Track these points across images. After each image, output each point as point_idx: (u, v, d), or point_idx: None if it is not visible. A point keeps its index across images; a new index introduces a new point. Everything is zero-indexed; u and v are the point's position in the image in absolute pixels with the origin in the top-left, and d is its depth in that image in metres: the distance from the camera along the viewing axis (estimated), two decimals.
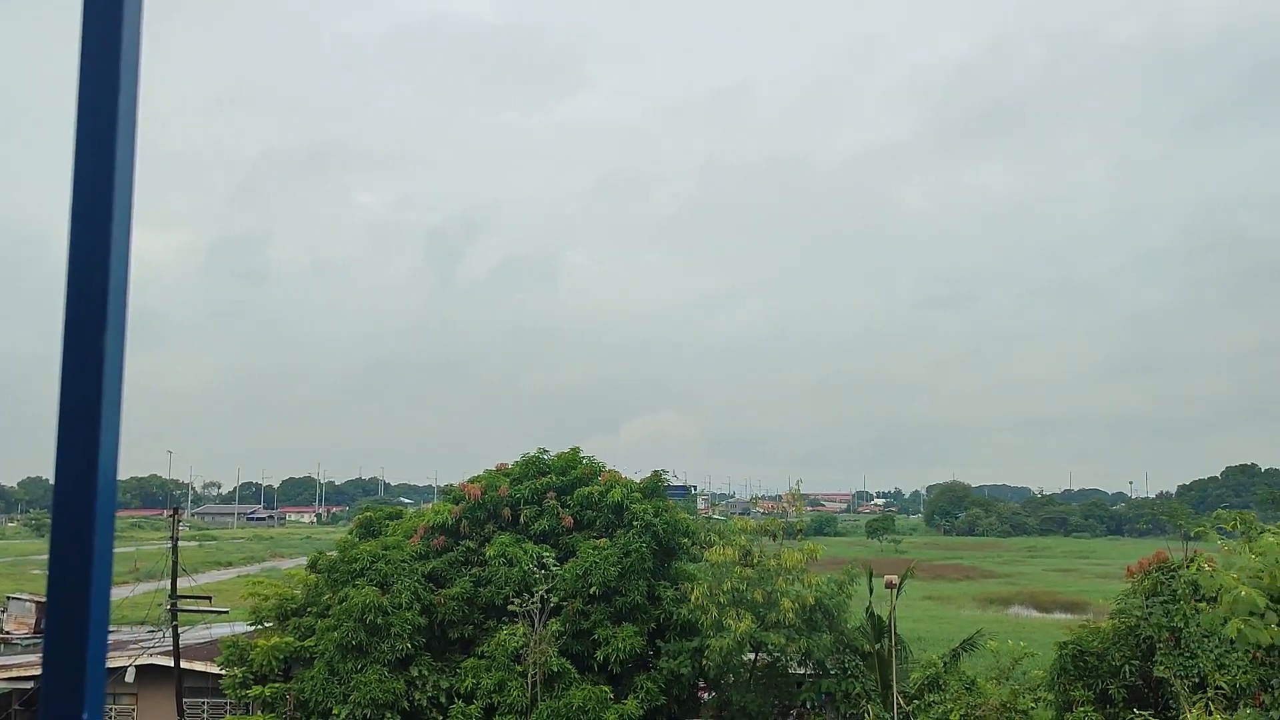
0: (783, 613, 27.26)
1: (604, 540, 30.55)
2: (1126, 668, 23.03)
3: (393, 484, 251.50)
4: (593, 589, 28.89)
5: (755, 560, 28.80)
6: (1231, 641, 15.20)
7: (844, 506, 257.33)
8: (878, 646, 28.11)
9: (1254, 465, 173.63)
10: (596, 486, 32.33)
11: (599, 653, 28.54)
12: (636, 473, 34.42)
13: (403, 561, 30.19)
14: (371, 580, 29.53)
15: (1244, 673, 20.01)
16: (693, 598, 28.22)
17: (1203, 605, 17.13)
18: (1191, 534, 23.91)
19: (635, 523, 30.47)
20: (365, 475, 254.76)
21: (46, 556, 1.28)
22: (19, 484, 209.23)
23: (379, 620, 28.23)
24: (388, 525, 34.34)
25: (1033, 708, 24.58)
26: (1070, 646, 24.11)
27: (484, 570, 30.18)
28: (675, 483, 47.80)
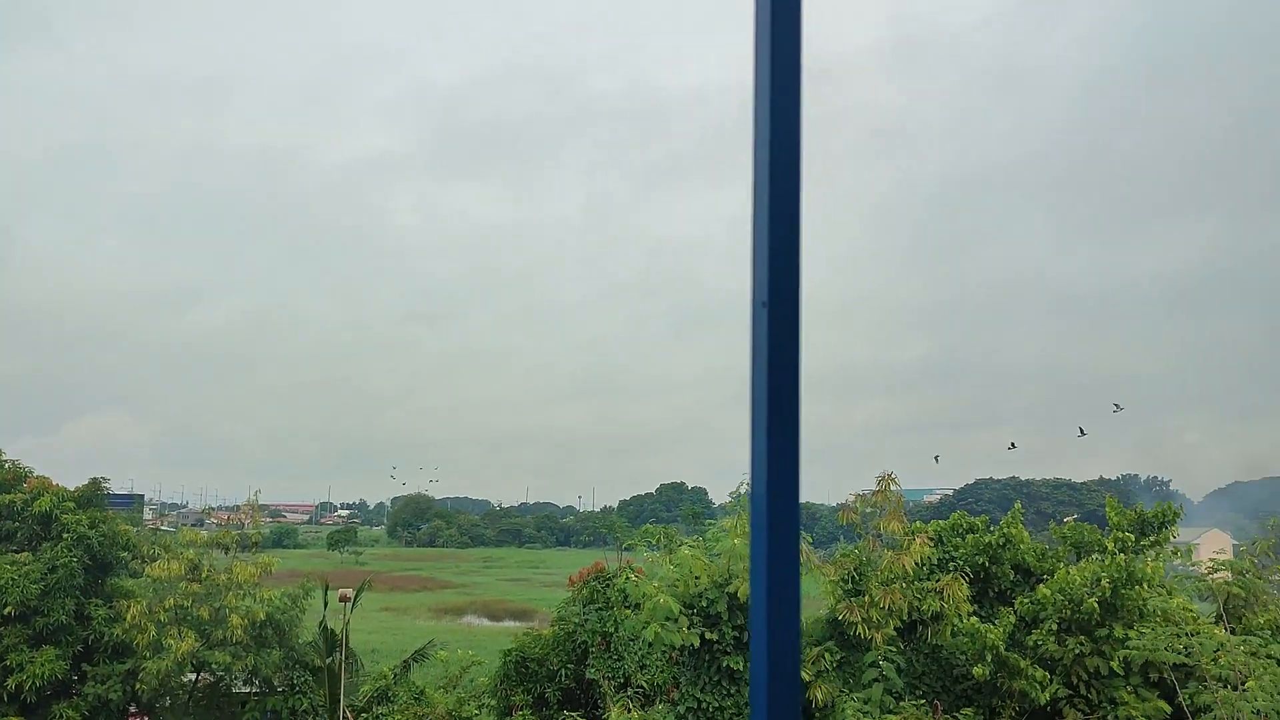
0: (231, 630, 26.14)
1: (25, 554, 27.33)
2: (563, 671, 24.94)
3: None
4: (7, 609, 25.73)
5: (204, 575, 27.34)
6: (650, 644, 17.09)
7: (306, 518, 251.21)
8: (329, 661, 27.87)
9: (682, 483, 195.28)
10: (19, 494, 28.86)
11: (10, 680, 25.44)
12: (75, 479, 31.17)
13: None
14: None
15: (660, 672, 22.56)
16: (129, 616, 26.14)
17: (628, 612, 19.09)
18: (625, 546, 26.54)
19: (66, 535, 27.59)
20: None
21: None
22: None
23: None
24: None
25: (476, 714, 25.77)
26: (514, 653, 25.62)
27: None
28: (120, 491, 43.88)
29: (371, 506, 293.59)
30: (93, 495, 30.40)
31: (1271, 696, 13.64)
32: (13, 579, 26.07)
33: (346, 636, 27.54)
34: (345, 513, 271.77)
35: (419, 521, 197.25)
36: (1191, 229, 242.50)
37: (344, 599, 27.17)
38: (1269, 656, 14.51)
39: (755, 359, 1.70)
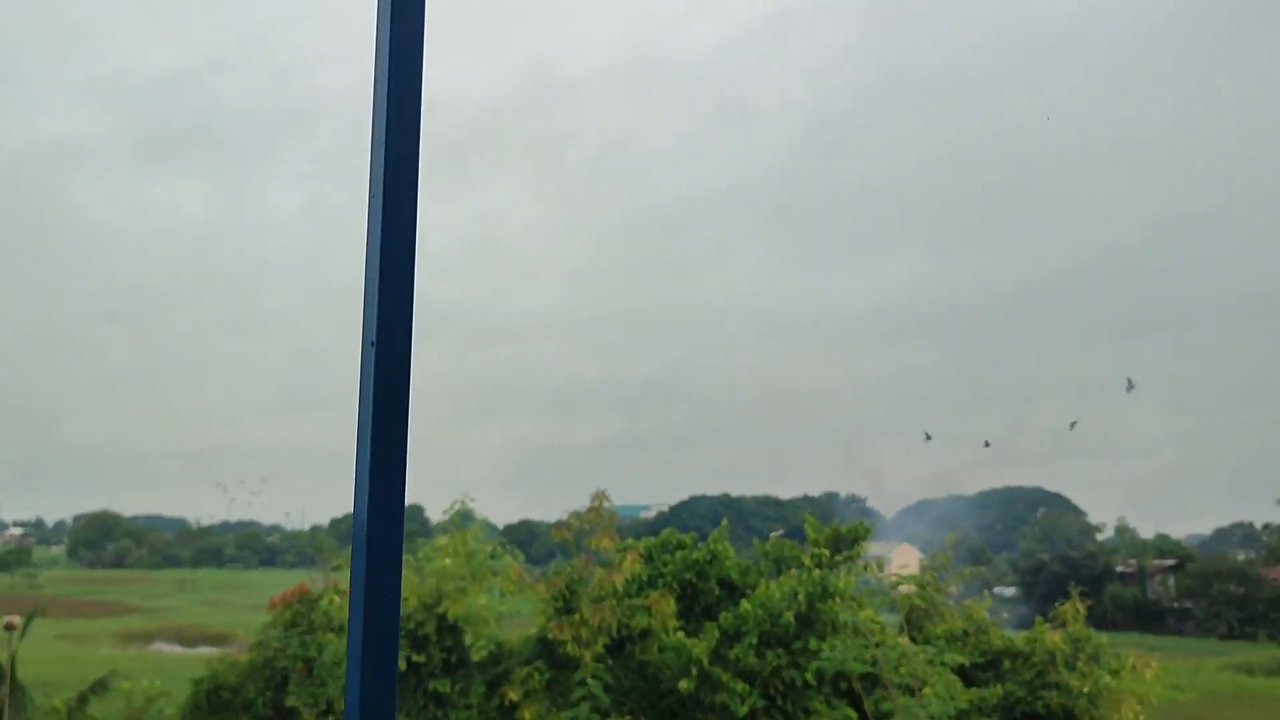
0: None
1: None
2: (260, 700, 23.68)
3: None
4: None
5: None
6: None
7: None
8: None
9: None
10: None
11: None
12: None
13: None
14: None
15: None
16: None
17: (332, 635, 18.39)
18: (333, 566, 25.60)
19: None
20: None
21: None
22: None
23: None
24: None
25: None
26: (206, 682, 24.10)
27: None
28: None
29: (51, 524, 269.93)
30: None
31: (944, 702, 14.82)
32: None
33: (14, 668, 25.04)
34: (18, 531, 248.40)
35: (105, 541, 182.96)
36: (896, 262, 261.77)
37: (10, 627, 24.69)
38: (943, 664, 15.77)
39: (362, 398, 1.65)
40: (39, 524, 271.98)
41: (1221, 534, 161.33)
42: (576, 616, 16.53)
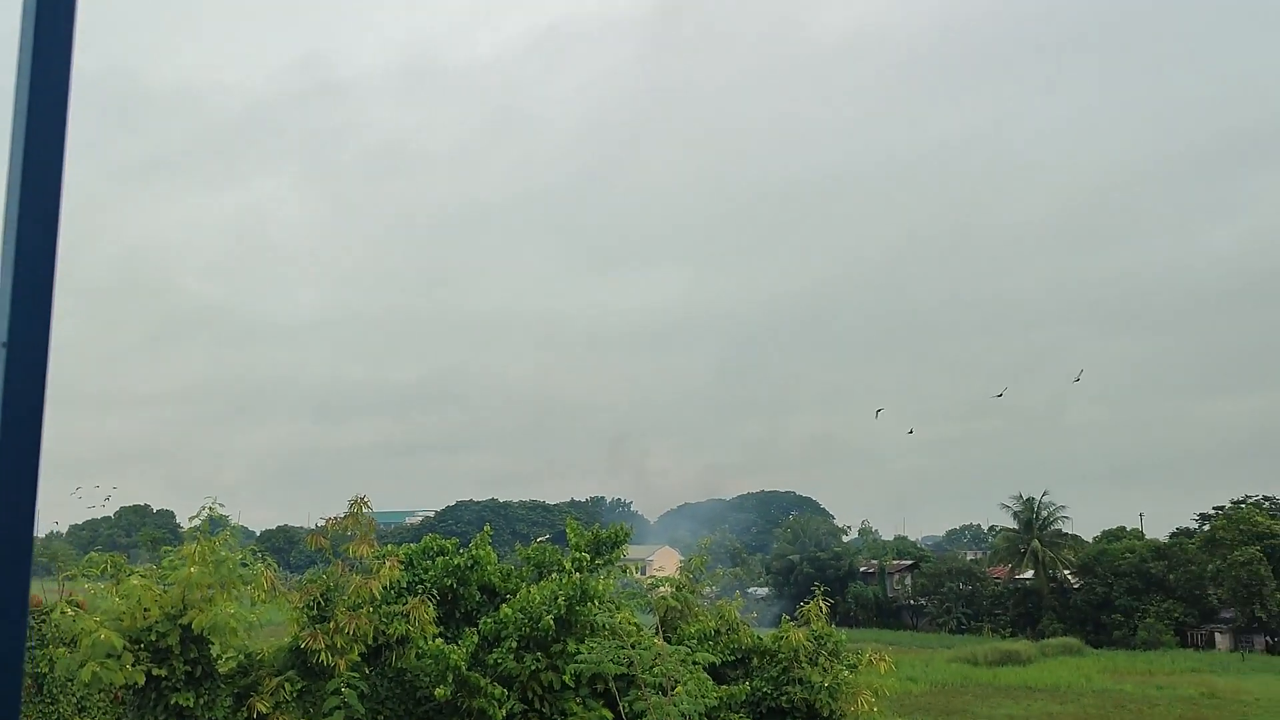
0: None
1: None
2: None
3: None
4: None
5: None
6: (88, 684, 15.48)
7: None
8: None
9: (147, 506, 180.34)
10: None
11: None
12: None
13: None
14: None
15: (103, 713, 20.52)
16: None
17: (63, 650, 17.16)
18: (67, 576, 23.89)
19: None
20: None
21: None
22: None
23: None
24: None
25: None
26: None
27: None
28: None
29: None
30: None
31: (695, 699, 15.28)
32: None
33: None
34: None
35: None
36: (665, 275, 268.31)
37: None
38: (695, 663, 16.25)
39: None
40: None
41: (953, 535, 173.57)
42: (331, 624, 16.05)
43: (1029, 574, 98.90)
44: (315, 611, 16.54)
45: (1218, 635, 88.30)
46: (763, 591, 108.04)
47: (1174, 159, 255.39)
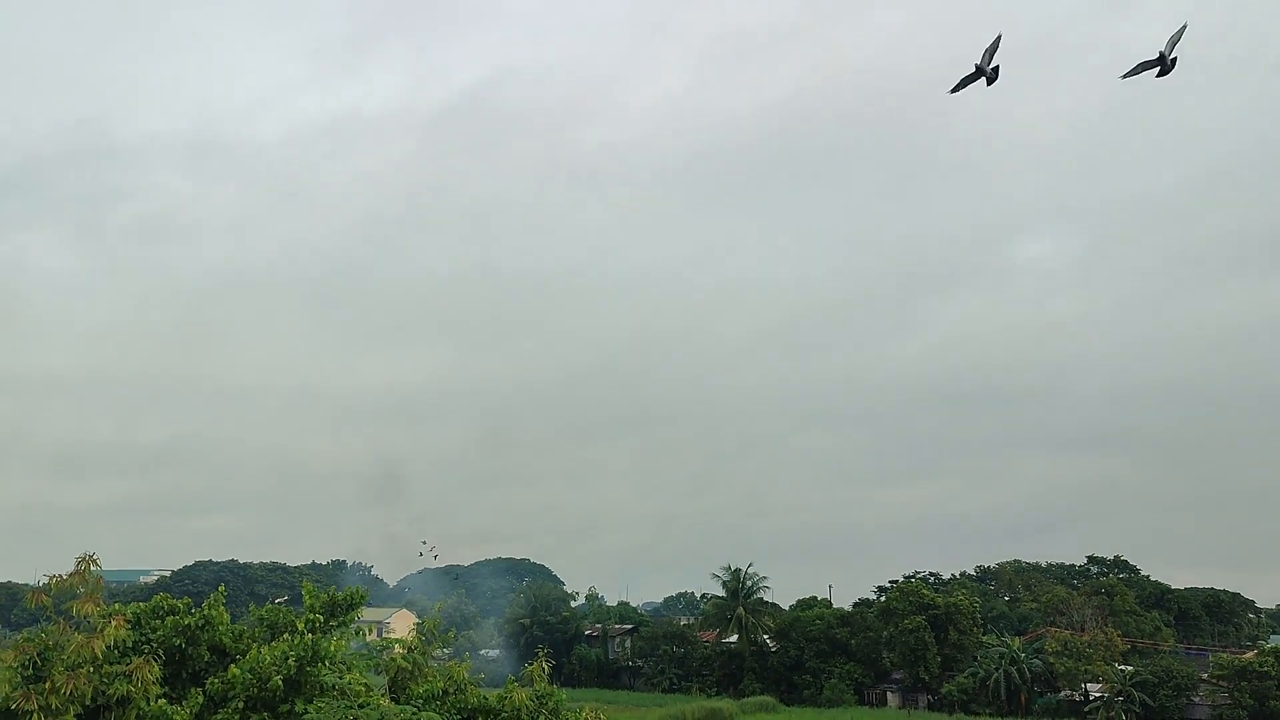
0: None
1: None
2: None
3: None
4: None
5: None
6: None
7: None
8: None
9: None
10: None
11: None
12: None
13: None
14: None
15: None
16: None
17: None
18: None
19: None
20: None
21: None
22: None
23: None
24: None
25: None
26: None
27: None
28: None
29: None
30: None
31: None
32: None
33: None
34: None
35: None
36: (423, 352, 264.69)
37: None
38: None
39: None
40: None
41: (670, 602, 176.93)
42: (47, 684, 14.59)
43: (734, 638, 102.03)
44: (31, 671, 15.03)
45: (889, 694, 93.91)
46: (494, 653, 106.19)
47: (873, 282, 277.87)
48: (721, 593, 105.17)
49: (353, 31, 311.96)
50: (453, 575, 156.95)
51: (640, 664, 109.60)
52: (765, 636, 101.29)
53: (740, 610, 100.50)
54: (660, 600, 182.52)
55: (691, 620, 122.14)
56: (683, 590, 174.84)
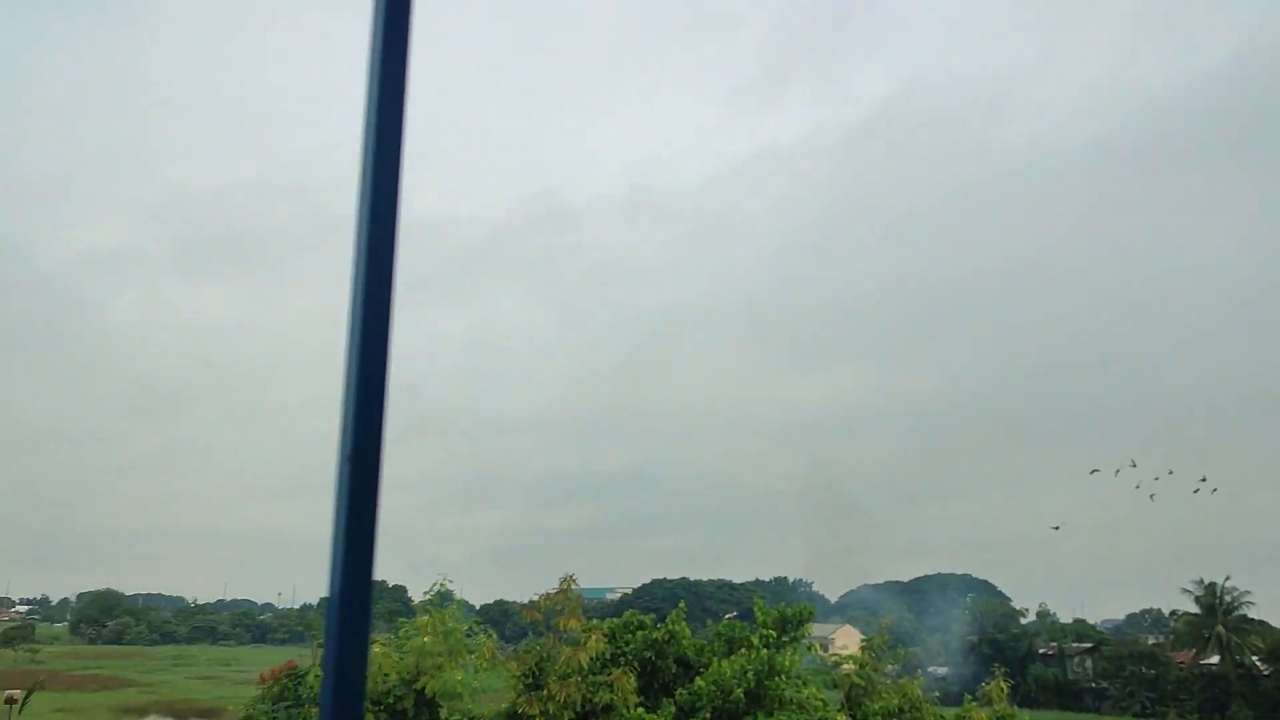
0: None
1: None
2: None
3: None
4: None
5: None
6: None
7: None
8: None
9: (384, 581, 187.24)
10: None
11: None
12: None
13: None
14: None
15: None
16: None
17: (317, 709, 17.92)
18: (318, 643, 25.07)
19: None
20: None
21: None
22: None
23: None
24: None
25: None
26: None
27: None
28: None
29: (55, 602, 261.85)
30: None
31: None
32: None
33: None
34: (24, 608, 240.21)
35: (106, 617, 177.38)
36: (846, 371, 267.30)
37: (10, 700, 23.89)
38: None
39: (337, 510, 1.72)
40: (44, 601, 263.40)
41: (1133, 619, 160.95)
42: (544, 692, 16.24)
43: (1215, 659, 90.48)
44: (530, 679, 16.79)
45: None
46: (942, 670, 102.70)
47: None
48: (1194, 609, 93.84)
49: (763, 71, 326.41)
50: (893, 591, 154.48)
51: (1104, 685, 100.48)
52: (1254, 658, 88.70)
53: (1219, 628, 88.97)
54: (1122, 617, 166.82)
55: (1160, 639, 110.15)
56: (1147, 606, 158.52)
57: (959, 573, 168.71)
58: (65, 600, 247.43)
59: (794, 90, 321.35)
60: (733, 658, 18.45)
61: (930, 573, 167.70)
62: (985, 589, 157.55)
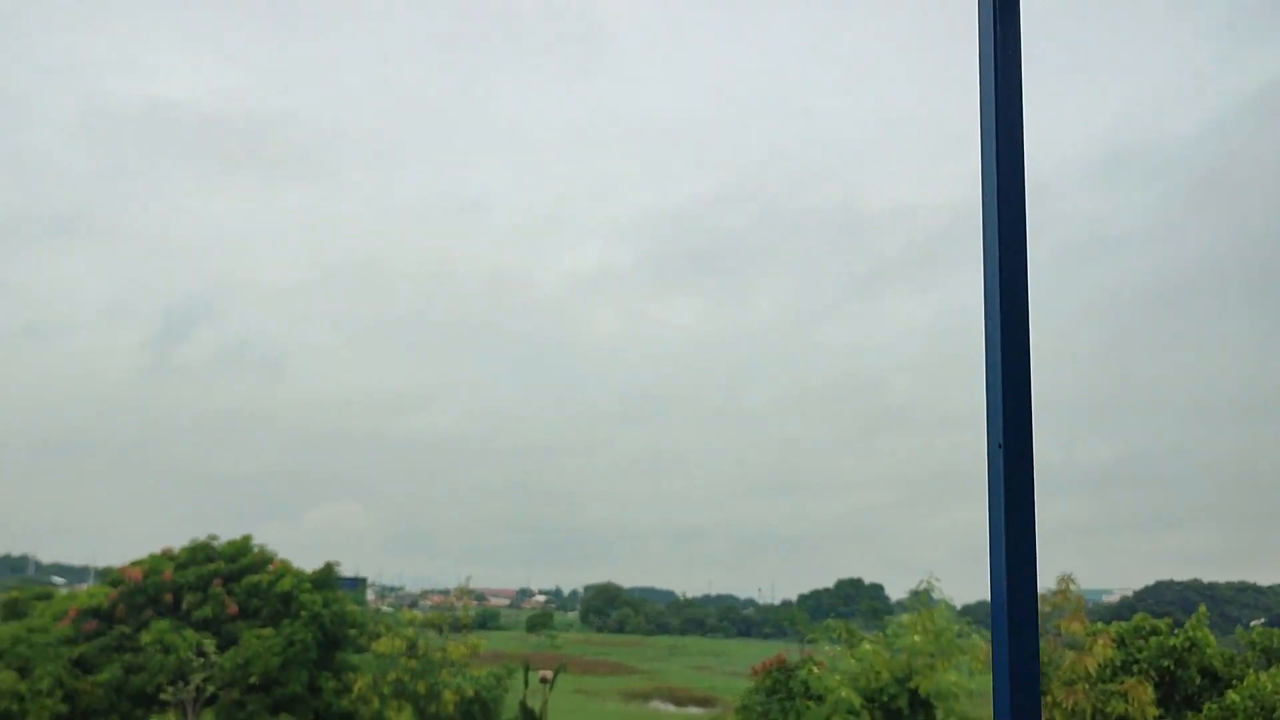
0: (443, 705, 26.52)
1: (268, 629, 28.61)
2: None
3: (45, 563, 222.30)
4: (252, 678, 26.86)
5: (421, 653, 27.94)
6: None
7: (508, 602, 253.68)
8: None
9: (860, 579, 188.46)
10: (265, 575, 30.37)
11: None
12: (311, 563, 32.55)
13: (47, 645, 26.79)
14: (10, 664, 25.97)
15: None
16: (355, 689, 26.87)
17: (811, 703, 18.33)
18: (807, 639, 25.67)
19: (303, 612, 28.78)
20: (15, 552, 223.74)
21: None
22: None
23: (13, 707, 24.79)
24: (35, 606, 30.45)
25: None
26: None
27: (137, 657, 27.32)
28: (347, 574, 45.63)
29: (566, 593, 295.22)
30: (326, 577, 31.69)
31: None
32: (258, 651, 27.27)
33: (546, 716, 27.47)
34: (542, 598, 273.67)
35: (609, 609, 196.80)
36: None
37: (544, 680, 27.18)
38: None
39: (992, 500, 1.66)
40: (557, 593, 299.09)
41: None
42: (1048, 698, 15.24)
43: None
44: None
45: None
46: None
47: None
48: None
49: None
50: None
51: None
52: None
53: None
54: None
55: None
56: None
57: None
58: (575, 592, 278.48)
59: None
60: (1274, 670, 16.06)
61: None
62: None
